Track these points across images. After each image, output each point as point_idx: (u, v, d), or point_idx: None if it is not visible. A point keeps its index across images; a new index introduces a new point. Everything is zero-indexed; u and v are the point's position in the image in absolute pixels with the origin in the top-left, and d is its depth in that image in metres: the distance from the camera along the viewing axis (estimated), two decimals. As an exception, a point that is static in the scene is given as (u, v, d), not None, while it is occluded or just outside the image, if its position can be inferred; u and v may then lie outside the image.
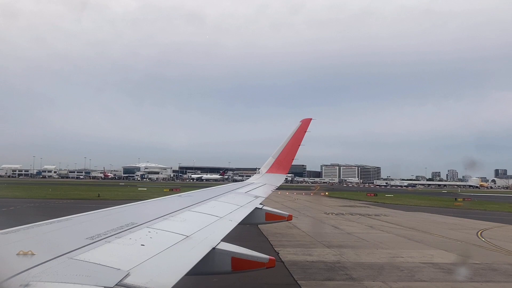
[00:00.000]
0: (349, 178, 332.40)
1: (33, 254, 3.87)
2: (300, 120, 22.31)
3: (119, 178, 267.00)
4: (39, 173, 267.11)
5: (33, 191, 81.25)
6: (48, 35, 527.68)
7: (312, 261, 21.94)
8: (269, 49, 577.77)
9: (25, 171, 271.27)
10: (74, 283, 3.43)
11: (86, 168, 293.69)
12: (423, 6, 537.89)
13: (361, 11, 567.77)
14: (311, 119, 22.08)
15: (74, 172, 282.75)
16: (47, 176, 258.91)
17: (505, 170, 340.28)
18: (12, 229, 4.95)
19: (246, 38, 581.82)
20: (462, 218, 47.75)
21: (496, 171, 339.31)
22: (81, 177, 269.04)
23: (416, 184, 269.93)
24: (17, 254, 3.84)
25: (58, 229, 5.43)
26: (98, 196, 69.80)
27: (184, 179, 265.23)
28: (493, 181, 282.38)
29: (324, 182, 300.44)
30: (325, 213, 50.75)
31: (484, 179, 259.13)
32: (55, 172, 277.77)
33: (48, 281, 3.36)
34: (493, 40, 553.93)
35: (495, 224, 42.40)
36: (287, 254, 23.45)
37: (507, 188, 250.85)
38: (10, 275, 3.30)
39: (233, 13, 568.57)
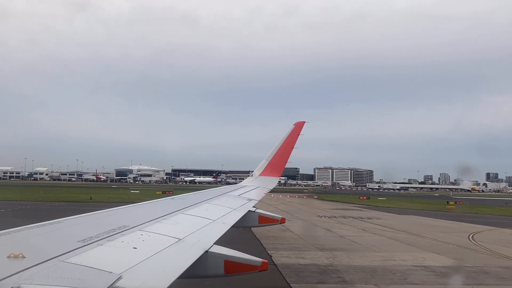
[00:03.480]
0: (342, 181, 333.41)
1: (24, 257, 3.83)
2: (293, 123, 22.37)
3: (112, 180, 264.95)
4: (30, 175, 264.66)
5: (25, 194, 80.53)
6: (40, 36, 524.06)
7: (305, 264, 21.95)
8: (263, 51, 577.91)
9: (16, 173, 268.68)
10: (65, 286, 3.41)
11: (78, 170, 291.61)
12: (416, 9, 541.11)
13: (354, 14, 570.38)
14: (304, 122, 22.14)
15: (66, 174, 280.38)
16: (38, 178, 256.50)
17: (496, 174, 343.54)
18: (2, 231, 4.91)
19: (240, 40, 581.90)
20: (454, 221, 48.03)
21: (488, 174, 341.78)
22: (73, 179, 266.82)
23: (408, 187, 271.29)
24: (7, 257, 3.81)
25: (50, 232, 5.39)
26: (90, 199, 69.39)
27: (177, 182, 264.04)
28: (485, 184, 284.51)
29: (317, 185, 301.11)
30: (318, 216, 50.84)
31: (475, 183, 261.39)
32: (46, 174, 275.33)
33: (39, 284, 3.33)
34: (486, 44, 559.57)
35: (487, 227, 42.68)
36: (280, 257, 23.44)
37: (498, 191, 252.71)
38: (1, 278, 3.27)
39: (227, 15, 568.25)
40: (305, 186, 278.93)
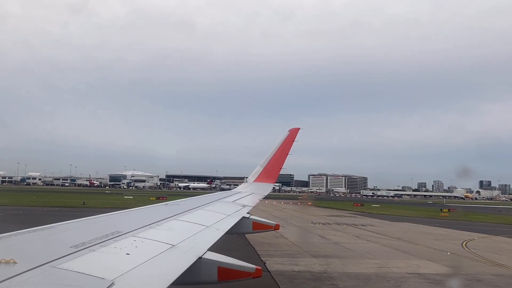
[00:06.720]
0: (336, 188, 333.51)
1: (15, 263, 3.79)
2: (288, 129, 22.42)
3: (105, 186, 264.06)
4: (23, 180, 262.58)
5: (17, 198, 79.90)
6: (34, 39, 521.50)
7: (299, 271, 21.89)
8: (259, 57, 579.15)
9: (9, 177, 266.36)
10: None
11: (71, 175, 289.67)
12: (411, 17, 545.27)
13: (351, 21, 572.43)
14: (299, 128, 22.23)
15: (59, 179, 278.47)
16: (31, 183, 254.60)
17: (489, 182, 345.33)
18: (-6, 237, 4.86)
19: (236, 46, 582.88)
20: (447, 229, 48.19)
21: (481, 182, 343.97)
22: (66, 184, 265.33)
23: (402, 194, 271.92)
24: (-2, 263, 3.77)
25: (42, 237, 5.35)
26: (83, 204, 68.99)
27: (171, 188, 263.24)
28: (478, 192, 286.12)
29: (311, 192, 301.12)
30: (312, 222, 50.80)
31: (469, 190, 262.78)
32: (39, 179, 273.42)
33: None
34: (481, 51, 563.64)
35: (480, 234, 42.84)
36: (274, 264, 23.38)
37: (491, 199, 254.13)
38: (-9, 284, 3.24)
39: (223, 21, 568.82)
40: (299, 192, 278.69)
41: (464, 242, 35.93)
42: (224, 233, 8.16)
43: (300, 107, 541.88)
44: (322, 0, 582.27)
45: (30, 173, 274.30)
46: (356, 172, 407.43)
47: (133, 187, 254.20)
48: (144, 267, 4.63)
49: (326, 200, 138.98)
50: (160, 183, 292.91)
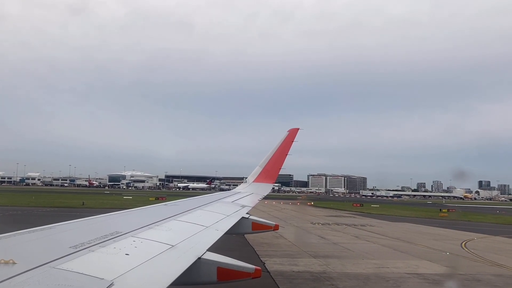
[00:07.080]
0: (336, 188, 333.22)
1: (14, 263, 3.79)
2: (287, 130, 22.43)
3: (104, 186, 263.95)
4: (22, 180, 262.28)
5: (16, 199, 79.86)
6: (34, 39, 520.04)
7: (298, 271, 21.90)
8: (258, 57, 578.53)
9: (8, 178, 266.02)
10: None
11: (70, 175, 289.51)
12: (411, 17, 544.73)
13: (350, 21, 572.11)
14: (298, 128, 22.23)
15: (58, 179, 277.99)
16: (30, 184, 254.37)
17: (489, 182, 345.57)
18: (-7, 237, 4.85)
19: (236, 47, 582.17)
20: (446, 229, 48.23)
21: (480, 182, 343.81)
22: (65, 185, 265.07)
23: (401, 194, 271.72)
24: (-3, 263, 3.76)
25: (41, 238, 5.34)
26: (83, 204, 68.95)
27: (170, 188, 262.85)
28: (477, 192, 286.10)
29: (310, 192, 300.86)
30: (312, 223, 50.82)
31: (468, 191, 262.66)
32: (39, 179, 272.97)
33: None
34: (481, 51, 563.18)
35: (479, 235, 42.88)
36: (273, 264, 23.38)
37: (490, 199, 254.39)
38: (-10, 285, 3.23)
39: (222, 21, 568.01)
40: (298, 192, 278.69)
41: (463, 242, 35.96)
42: (223, 233, 8.16)
43: (300, 107, 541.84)
44: (322, 0, 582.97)
45: (29, 174, 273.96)
46: (355, 172, 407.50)
47: (133, 188, 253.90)
48: (143, 267, 4.63)
49: (325, 200, 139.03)
50: (160, 184, 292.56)
